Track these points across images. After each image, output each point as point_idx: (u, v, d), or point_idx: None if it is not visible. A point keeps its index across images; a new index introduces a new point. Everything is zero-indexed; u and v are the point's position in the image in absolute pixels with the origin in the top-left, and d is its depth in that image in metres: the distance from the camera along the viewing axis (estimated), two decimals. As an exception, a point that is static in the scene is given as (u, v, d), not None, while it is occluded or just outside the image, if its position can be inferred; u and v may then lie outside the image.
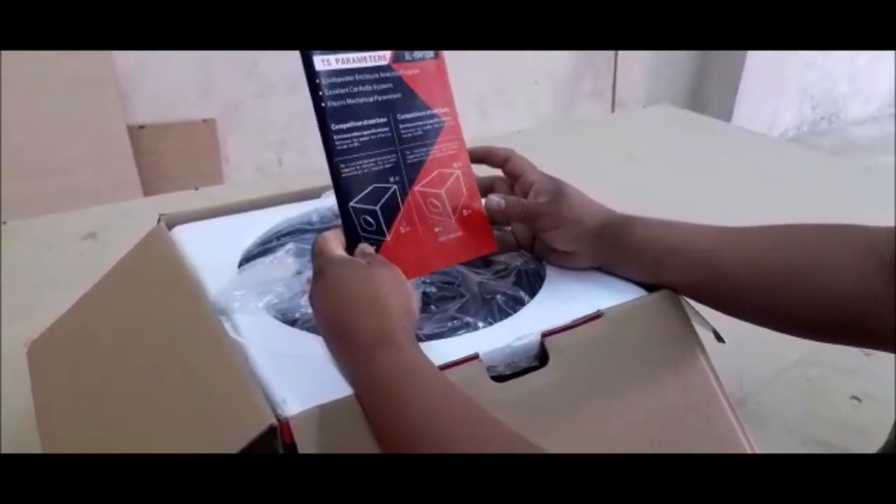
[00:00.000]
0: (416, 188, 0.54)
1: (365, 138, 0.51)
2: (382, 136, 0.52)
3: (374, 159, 0.52)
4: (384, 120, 0.52)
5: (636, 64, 3.11)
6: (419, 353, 0.42)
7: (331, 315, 0.45)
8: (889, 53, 3.72)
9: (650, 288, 0.53)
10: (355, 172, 0.51)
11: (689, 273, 0.50)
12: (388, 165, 0.52)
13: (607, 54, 2.99)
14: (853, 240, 0.45)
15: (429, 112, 0.55)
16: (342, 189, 0.50)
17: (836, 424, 0.67)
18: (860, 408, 0.69)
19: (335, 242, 0.49)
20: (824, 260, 0.45)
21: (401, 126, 0.53)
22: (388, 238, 0.52)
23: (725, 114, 3.19)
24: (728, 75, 3.20)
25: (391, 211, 0.52)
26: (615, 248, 0.53)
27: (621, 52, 2.98)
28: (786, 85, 3.48)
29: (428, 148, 0.55)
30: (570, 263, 0.55)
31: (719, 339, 0.53)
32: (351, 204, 0.50)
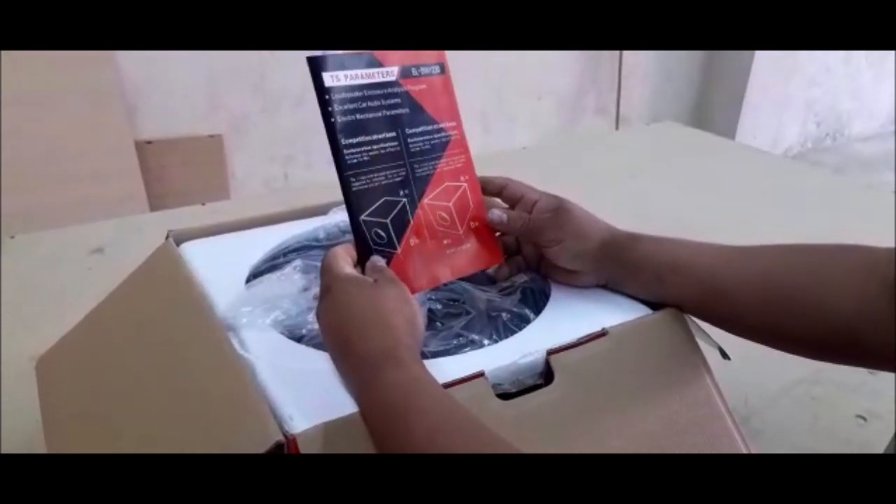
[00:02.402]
0: (425, 201, 0.54)
1: (374, 152, 0.52)
2: (392, 150, 0.53)
3: (384, 173, 0.52)
4: (393, 134, 0.53)
5: (640, 80, 3.12)
6: (423, 371, 0.42)
7: (337, 332, 0.45)
8: (891, 70, 3.72)
9: (655, 306, 0.53)
10: (366, 186, 0.51)
11: (691, 291, 0.51)
12: (397, 179, 0.53)
13: (611, 70, 3.00)
14: (854, 260, 0.45)
15: (436, 126, 0.56)
16: (353, 203, 0.51)
17: (840, 442, 0.67)
18: (864, 426, 0.68)
19: (344, 259, 0.49)
20: (825, 280, 0.45)
21: (409, 140, 0.54)
22: (399, 250, 0.52)
23: (729, 130, 3.19)
24: (732, 91, 3.20)
25: (401, 224, 0.53)
26: (618, 265, 0.53)
27: (625, 69, 2.98)
28: (790, 101, 3.48)
29: (436, 162, 0.56)
30: (574, 281, 0.55)
31: (725, 356, 0.54)
32: (362, 217, 0.51)
